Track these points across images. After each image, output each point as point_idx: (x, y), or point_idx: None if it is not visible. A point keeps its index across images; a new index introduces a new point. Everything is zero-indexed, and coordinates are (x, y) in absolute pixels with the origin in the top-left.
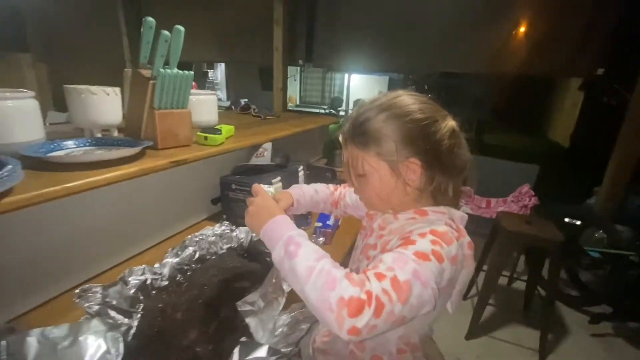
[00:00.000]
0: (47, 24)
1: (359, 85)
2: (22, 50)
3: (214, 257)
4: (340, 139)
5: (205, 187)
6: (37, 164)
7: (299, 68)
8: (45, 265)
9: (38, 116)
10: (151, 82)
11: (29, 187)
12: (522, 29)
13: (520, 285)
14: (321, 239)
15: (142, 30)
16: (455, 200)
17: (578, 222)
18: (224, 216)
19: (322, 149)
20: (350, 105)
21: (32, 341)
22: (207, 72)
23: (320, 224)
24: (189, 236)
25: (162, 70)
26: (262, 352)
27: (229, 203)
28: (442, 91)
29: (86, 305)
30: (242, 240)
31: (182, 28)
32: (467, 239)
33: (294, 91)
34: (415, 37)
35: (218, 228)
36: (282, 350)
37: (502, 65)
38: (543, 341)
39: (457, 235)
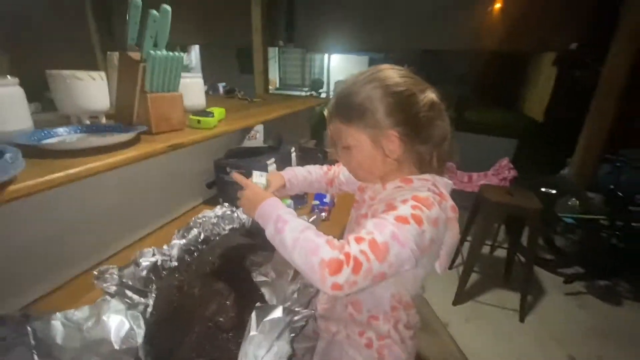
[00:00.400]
0: (4, 10)
1: (339, 66)
2: None
3: (217, 237)
4: (326, 113)
5: (200, 172)
6: (32, 152)
7: (277, 50)
8: (48, 254)
9: (24, 104)
10: (141, 64)
11: (31, 175)
12: (499, 6)
13: (501, 252)
14: (323, 214)
15: (128, 11)
16: (439, 169)
17: (553, 191)
18: (220, 199)
19: (310, 131)
20: (332, 87)
21: (57, 324)
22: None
23: (317, 202)
24: (193, 218)
25: (152, 52)
26: (278, 312)
27: (224, 186)
28: (422, 69)
29: (104, 285)
30: (243, 221)
31: (169, 7)
32: (449, 202)
33: (273, 74)
34: (395, 15)
35: (219, 210)
36: (296, 309)
37: (480, 42)
38: (523, 302)
39: (439, 200)
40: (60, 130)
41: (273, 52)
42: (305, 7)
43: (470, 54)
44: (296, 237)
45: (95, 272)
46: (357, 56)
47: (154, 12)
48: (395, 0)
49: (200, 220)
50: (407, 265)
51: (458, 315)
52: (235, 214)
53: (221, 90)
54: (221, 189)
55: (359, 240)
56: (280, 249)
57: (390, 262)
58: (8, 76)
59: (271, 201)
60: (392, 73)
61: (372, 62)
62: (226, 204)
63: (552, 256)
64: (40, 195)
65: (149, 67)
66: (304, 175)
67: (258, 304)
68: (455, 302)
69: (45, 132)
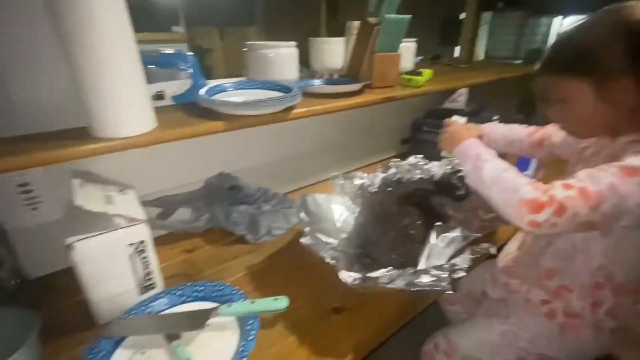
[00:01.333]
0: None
1: None
2: (250, 24)
3: (408, 181)
4: (544, 66)
5: (397, 128)
6: (302, 93)
7: (491, 15)
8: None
9: (296, 61)
10: (376, 27)
11: (303, 105)
12: None
13: None
14: None
15: None
16: None
17: None
18: (411, 156)
19: (518, 104)
20: None
21: (310, 200)
22: None
23: None
24: (393, 160)
25: (387, 15)
26: (457, 232)
27: (417, 144)
28: None
29: (335, 187)
30: (433, 173)
31: None
32: None
33: (479, 45)
34: None
35: (413, 159)
36: (475, 234)
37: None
38: None
39: None
40: (316, 81)
41: (486, 18)
42: None
43: None
44: (496, 175)
45: (331, 175)
46: None
47: None
48: None
49: (398, 164)
50: (627, 221)
51: None
52: (427, 166)
53: None
54: (414, 146)
55: (567, 187)
56: (478, 185)
57: (604, 212)
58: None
59: (473, 140)
60: (636, 7)
61: None
62: (420, 156)
63: None
64: (292, 124)
65: (382, 29)
66: (504, 132)
67: (439, 223)
68: None
69: (306, 81)
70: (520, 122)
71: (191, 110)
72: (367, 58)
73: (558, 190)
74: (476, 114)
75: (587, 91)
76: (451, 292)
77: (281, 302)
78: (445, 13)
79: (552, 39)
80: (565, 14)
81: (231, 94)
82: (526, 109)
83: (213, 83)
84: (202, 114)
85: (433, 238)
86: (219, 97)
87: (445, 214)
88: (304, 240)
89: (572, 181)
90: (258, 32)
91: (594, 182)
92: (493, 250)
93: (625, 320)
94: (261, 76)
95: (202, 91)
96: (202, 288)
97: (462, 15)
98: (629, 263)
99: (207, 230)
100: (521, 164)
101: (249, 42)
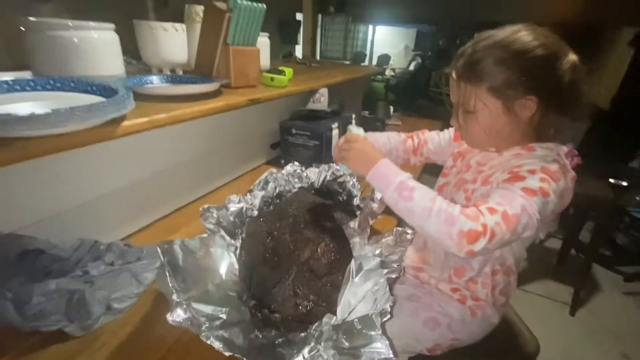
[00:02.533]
0: None
1: (383, 39)
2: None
3: (289, 194)
4: (453, 74)
5: (264, 132)
6: (134, 95)
7: (321, 18)
8: (141, 194)
9: (119, 51)
10: (227, 14)
11: (138, 115)
12: None
13: (553, 244)
14: None
15: None
16: (556, 139)
17: (624, 183)
18: (282, 161)
19: (362, 101)
20: (374, 61)
21: (177, 249)
22: None
23: None
24: (269, 171)
25: (239, 1)
26: (374, 263)
27: (288, 147)
28: None
29: (206, 223)
30: (312, 181)
31: None
32: (571, 173)
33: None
34: None
35: (290, 168)
36: (393, 265)
37: (543, 12)
38: (576, 296)
39: (564, 171)
40: (153, 78)
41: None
42: None
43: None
44: (429, 206)
45: (200, 209)
46: (404, 29)
47: None
48: None
49: (276, 176)
50: (529, 233)
51: None
52: (305, 174)
53: None
54: (285, 150)
55: (492, 211)
56: (405, 215)
57: (516, 231)
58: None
59: (386, 163)
60: (530, 36)
61: (420, 36)
62: (296, 163)
63: (610, 252)
64: (133, 139)
65: (234, 17)
66: (384, 141)
67: (356, 254)
68: None
69: (139, 78)
70: (369, 119)
71: None
72: (219, 52)
73: (487, 217)
74: (338, 114)
75: (496, 105)
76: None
77: None
78: (282, 12)
79: (370, 43)
80: (376, 23)
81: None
82: (369, 107)
83: None
84: None
85: (353, 275)
86: None
87: (341, 228)
88: (174, 316)
89: (492, 204)
90: (56, 12)
91: (510, 204)
92: (403, 271)
93: (509, 295)
94: (59, 71)
95: None
96: None
97: (299, 16)
98: (516, 249)
99: None
100: None
101: (32, 18)
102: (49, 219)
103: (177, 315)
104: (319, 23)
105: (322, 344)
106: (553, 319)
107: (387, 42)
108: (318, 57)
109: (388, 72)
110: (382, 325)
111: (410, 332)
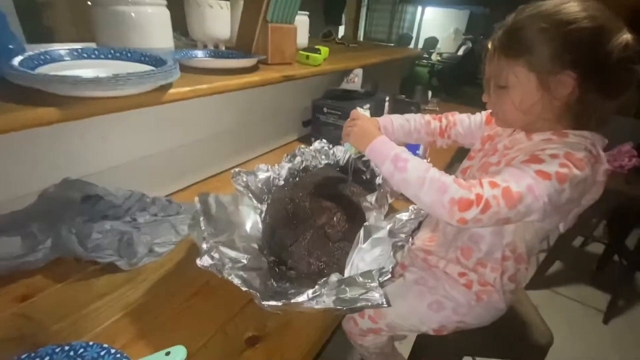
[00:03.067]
0: None
1: (432, 22)
2: None
3: (314, 168)
4: (489, 46)
5: (297, 109)
6: (180, 67)
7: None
8: (186, 158)
9: (169, 25)
10: None
11: (183, 84)
12: None
13: (595, 248)
14: None
15: None
16: (597, 128)
17: None
18: (312, 138)
19: (400, 85)
20: (420, 44)
21: (211, 201)
22: None
23: None
24: (298, 147)
25: None
26: (384, 233)
27: (319, 126)
28: None
29: (236, 184)
30: (338, 158)
31: None
32: (604, 165)
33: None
34: None
35: (317, 144)
36: (400, 234)
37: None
38: (612, 304)
39: (593, 162)
40: (198, 52)
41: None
42: None
43: (603, 9)
44: (422, 177)
45: (232, 172)
46: (455, 10)
47: None
48: None
49: (303, 150)
50: (535, 216)
51: None
52: (332, 151)
53: None
54: (316, 128)
55: (493, 185)
56: (401, 186)
57: (519, 211)
58: None
59: (384, 139)
60: (579, 6)
61: (472, 18)
62: (324, 140)
63: None
64: (178, 109)
65: None
66: (401, 123)
67: (366, 223)
68: (528, 287)
69: (185, 52)
70: (404, 102)
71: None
72: (259, 29)
73: (486, 188)
74: (372, 95)
75: (530, 80)
76: (385, 306)
77: (177, 355)
78: None
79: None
80: (424, 4)
81: (68, 65)
82: (406, 90)
83: (38, 49)
84: (21, 95)
85: (362, 241)
86: (46, 69)
87: (359, 204)
88: (202, 261)
89: (497, 179)
90: None
91: (517, 182)
92: (411, 241)
93: (520, 282)
94: (118, 42)
95: (15, 61)
96: (47, 358)
97: None
98: (529, 237)
99: (53, 263)
100: (410, 147)
101: None
102: (108, 170)
103: (205, 261)
104: (365, 3)
105: (326, 290)
106: (583, 324)
107: (436, 24)
108: (362, 38)
109: (435, 57)
110: (380, 280)
111: (415, 313)
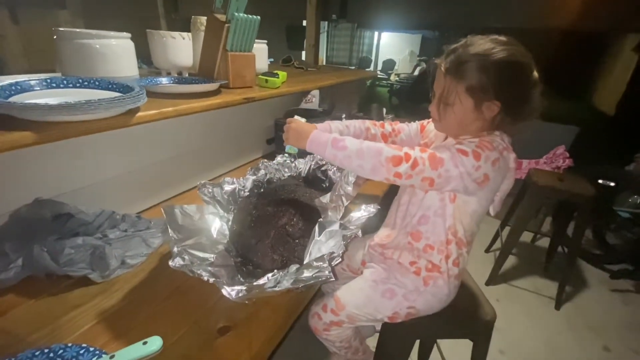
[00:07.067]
0: None
1: (389, 45)
2: (60, 7)
3: (278, 180)
4: (442, 67)
5: (261, 128)
6: (148, 93)
7: (327, 24)
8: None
9: (134, 56)
10: (226, 25)
11: (149, 108)
12: None
13: (544, 243)
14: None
15: None
16: (508, 132)
17: (612, 184)
18: (277, 155)
19: (358, 102)
20: (379, 66)
21: (177, 212)
22: None
23: None
24: (261, 161)
25: (236, 14)
26: (336, 226)
27: (281, 143)
28: None
29: (202, 195)
30: (300, 170)
31: None
32: (513, 155)
33: (321, 51)
34: None
35: (280, 158)
36: (350, 227)
37: (549, 19)
38: (561, 290)
39: (502, 148)
40: (162, 79)
41: (323, 27)
42: None
43: (536, 34)
44: (359, 148)
45: (198, 184)
46: (409, 35)
47: None
48: None
49: (267, 164)
50: (455, 184)
51: (489, 294)
52: (294, 164)
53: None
54: (279, 145)
55: (422, 150)
56: (346, 162)
57: (440, 174)
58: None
59: (318, 131)
60: (510, 50)
61: (424, 41)
62: (286, 155)
63: (601, 251)
64: (146, 131)
65: (232, 27)
66: (340, 128)
67: (320, 219)
68: (488, 283)
69: (150, 79)
70: (364, 116)
71: None
72: (219, 57)
73: (416, 151)
74: (329, 113)
75: (469, 103)
76: (333, 279)
77: (153, 344)
78: (289, 19)
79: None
80: (382, 29)
81: (38, 94)
82: (365, 109)
83: (6, 80)
84: None
85: (317, 234)
86: (18, 98)
87: (316, 206)
88: (174, 262)
89: (428, 149)
90: (72, 18)
91: (440, 152)
92: (360, 233)
93: (461, 267)
94: (84, 72)
95: None
96: None
97: (305, 22)
98: (465, 221)
99: (24, 282)
100: None
101: (62, 29)
102: (79, 190)
103: (177, 262)
104: (326, 30)
105: (286, 276)
106: (538, 312)
107: (393, 47)
108: (324, 63)
109: (393, 77)
110: (331, 263)
111: (371, 302)
